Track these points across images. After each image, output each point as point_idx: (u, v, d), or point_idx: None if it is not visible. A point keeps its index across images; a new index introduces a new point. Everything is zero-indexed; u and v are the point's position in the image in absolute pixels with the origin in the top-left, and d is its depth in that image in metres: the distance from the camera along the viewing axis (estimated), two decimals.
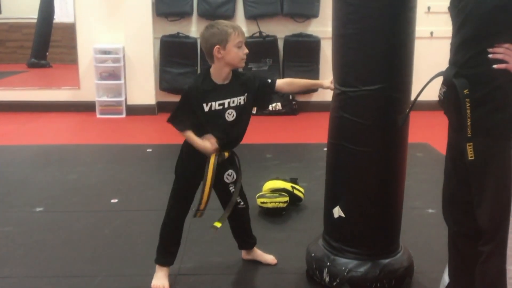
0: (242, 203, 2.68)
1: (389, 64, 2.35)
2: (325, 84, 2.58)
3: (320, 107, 6.34)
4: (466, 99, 1.84)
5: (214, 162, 2.46)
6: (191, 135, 2.45)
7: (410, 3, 2.33)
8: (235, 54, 2.39)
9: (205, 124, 2.45)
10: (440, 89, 2.01)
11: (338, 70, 2.46)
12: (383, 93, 2.35)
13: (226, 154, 2.52)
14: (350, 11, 2.33)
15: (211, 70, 2.46)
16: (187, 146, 2.52)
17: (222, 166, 2.52)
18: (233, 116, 2.45)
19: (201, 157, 2.48)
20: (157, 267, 2.62)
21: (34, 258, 2.92)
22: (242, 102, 2.47)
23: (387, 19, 2.30)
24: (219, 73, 2.44)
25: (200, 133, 2.46)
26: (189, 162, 2.54)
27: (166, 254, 2.62)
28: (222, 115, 2.44)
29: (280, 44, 6.56)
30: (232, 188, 2.59)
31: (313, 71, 6.48)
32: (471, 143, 1.86)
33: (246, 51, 2.43)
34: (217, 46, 2.37)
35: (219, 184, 2.57)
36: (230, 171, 2.57)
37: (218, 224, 2.52)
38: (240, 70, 2.60)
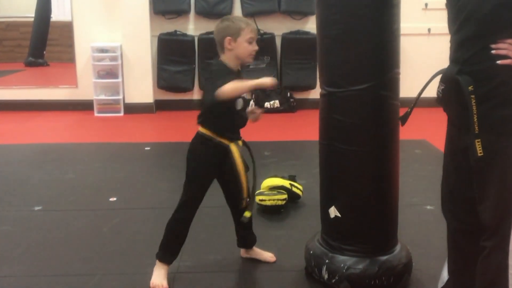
0: (249, 200, 2.68)
1: (375, 63, 2.35)
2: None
3: (318, 104, 6.33)
4: (471, 96, 1.84)
5: (237, 150, 2.51)
6: (236, 83, 2.38)
7: (393, 0, 2.32)
8: (244, 48, 2.47)
9: (218, 110, 2.46)
10: (438, 86, 2.01)
11: (325, 71, 2.46)
12: (371, 92, 2.35)
13: (240, 143, 2.57)
14: (333, 12, 2.33)
15: (223, 59, 2.51)
16: (199, 146, 2.54)
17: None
18: (240, 105, 2.52)
19: (216, 156, 2.51)
20: (158, 264, 2.61)
21: (32, 257, 2.92)
22: (245, 95, 2.54)
23: (371, 17, 2.30)
24: (230, 63, 2.50)
25: (215, 120, 2.49)
26: (203, 161, 2.54)
27: (170, 252, 2.62)
28: (233, 102, 2.48)
29: (278, 42, 6.55)
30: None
31: (310, 68, 6.48)
32: (479, 140, 1.86)
33: (256, 47, 2.51)
34: (229, 37, 2.45)
35: (231, 176, 2.58)
36: None
37: (248, 214, 2.61)
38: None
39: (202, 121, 2.54)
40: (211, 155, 2.53)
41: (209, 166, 2.55)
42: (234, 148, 2.52)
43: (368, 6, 2.28)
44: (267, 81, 2.40)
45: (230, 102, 2.43)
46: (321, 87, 2.51)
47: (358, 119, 2.38)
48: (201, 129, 2.54)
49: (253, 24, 2.54)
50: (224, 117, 2.50)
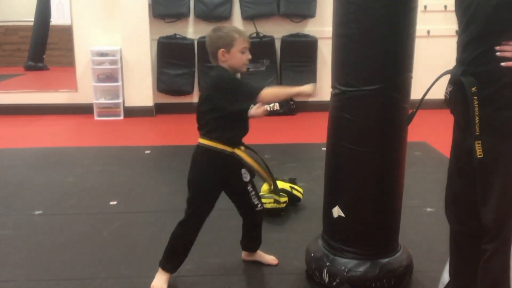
0: (260, 205, 2.66)
1: (389, 64, 2.35)
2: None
3: (318, 107, 6.34)
4: (474, 97, 1.84)
5: (245, 153, 2.51)
6: (277, 89, 2.52)
7: (412, 3, 2.33)
8: (238, 58, 2.45)
9: (235, 115, 2.47)
10: (446, 88, 2.00)
11: (338, 69, 2.46)
12: (383, 93, 2.35)
13: (242, 148, 2.56)
14: (352, 11, 2.33)
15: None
16: (202, 154, 2.51)
17: (237, 165, 2.54)
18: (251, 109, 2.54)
19: (218, 165, 2.49)
20: (160, 270, 2.61)
21: (33, 261, 2.92)
22: None
23: (389, 19, 2.30)
24: None
25: (228, 128, 2.49)
26: (206, 171, 2.52)
27: (172, 261, 2.61)
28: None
29: (277, 44, 6.56)
30: (250, 188, 2.60)
31: (310, 71, 6.48)
32: (480, 141, 1.86)
33: (249, 56, 2.49)
34: (222, 49, 2.43)
35: (238, 186, 2.58)
36: (243, 170, 2.57)
37: (283, 199, 2.65)
38: None
39: (208, 131, 2.48)
40: (213, 165, 2.50)
41: (213, 177, 2.51)
42: (240, 153, 2.50)
43: (386, 8, 2.28)
44: (308, 89, 2.41)
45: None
46: (333, 86, 2.50)
47: (368, 120, 2.39)
48: (202, 141, 2.50)
49: (245, 33, 2.51)
50: (239, 124, 2.50)
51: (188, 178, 2.56)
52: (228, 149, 2.48)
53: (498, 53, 1.79)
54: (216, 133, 2.47)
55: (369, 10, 2.29)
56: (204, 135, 2.50)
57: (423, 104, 2.10)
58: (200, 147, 2.51)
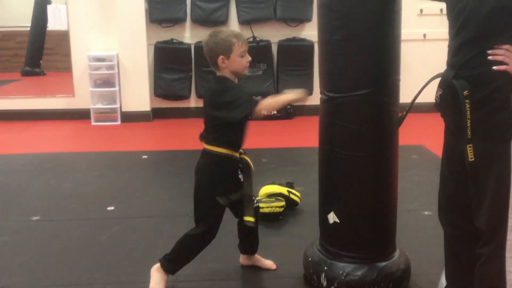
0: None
1: (376, 69, 2.36)
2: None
3: (315, 111, 6.29)
4: (466, 100, 1.85)
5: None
6: (273, 99, 2.48)
7: (395, 6, 2.33)
8: (239, 63, 2.44)
9: (236, 124, 2.46)
10: (436, 92, 2.01)
11: (326, 76, 2.47)
12: (372, 97, 2.36)
13: (245, 155, 2.57)
14: (335, 17, 2.34)
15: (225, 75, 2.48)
16: (212, 163, 2.48)
17: (237, 171, 2.55)
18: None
19: (228, 171, 2.49)
20: (160, 270, 2.56)
21: (31, 267, 2.92)
22: None
23: (372, 23, 2.31)
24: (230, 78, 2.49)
25: (232, 135, 2.48)
26: (221, 182, 2.48)
27: (176, 265, 2.58)
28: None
29: (274, 49, 6.57)
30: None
31: (307, 75, 6.50)
32: (471, 145, 1.86)
33: (249, 58, 2.48)
34: (221, 56, 2.40)
35: (234, 185, 2.55)
36: (240, 176, 2.56)
37: (251, 219, 2.53)
38: None
39: (213, 138, 2.47)
40: (228, 172, 2.49)
41: (227, 184, 2.49)
42: (248, 159, 2.52)
43: (370, 12, 2.29)
44: (300, 94, 2.48)
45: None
46: (322, 93, 2.51)
47: (358, 125, 2.39)
48: (211, 148, 2.47)
49: (242, 35, 2.48)
50: (241, 131, 2.49)
51: (197, 194, 2.53)
52: (236, 154, 2.49)
53: (490, 57, 1.81)
54: (221, 140, 2.46)
55: (352, 16, 2.30)
56: (211, 141, 2.48)
57: (420, 107, 2.11)
58: (209, 154, 2.49)
